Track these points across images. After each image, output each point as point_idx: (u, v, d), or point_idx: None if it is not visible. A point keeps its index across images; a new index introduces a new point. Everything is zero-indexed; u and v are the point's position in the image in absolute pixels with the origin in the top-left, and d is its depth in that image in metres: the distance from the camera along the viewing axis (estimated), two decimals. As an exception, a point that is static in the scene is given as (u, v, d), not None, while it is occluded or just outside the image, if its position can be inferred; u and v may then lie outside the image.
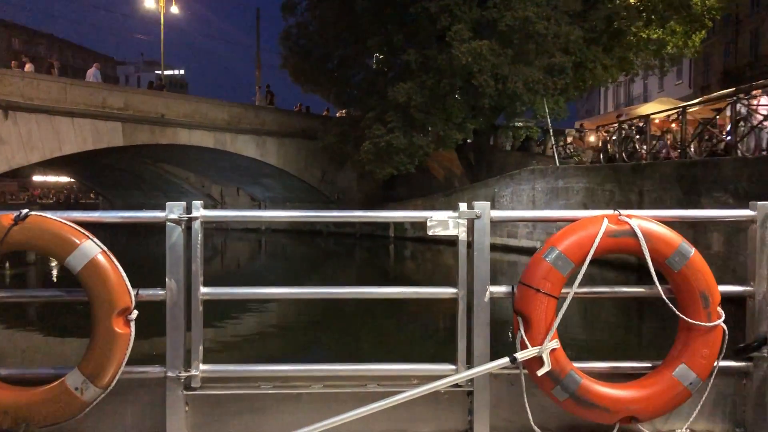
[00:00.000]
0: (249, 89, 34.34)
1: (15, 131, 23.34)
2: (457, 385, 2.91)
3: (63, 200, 72.11)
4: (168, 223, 2.87)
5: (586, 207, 18.97)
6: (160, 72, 41.78)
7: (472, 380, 2.90)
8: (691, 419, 2.94)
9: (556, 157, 24.93)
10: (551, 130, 26.31)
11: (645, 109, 37.72)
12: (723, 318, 2.83)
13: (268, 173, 36.13)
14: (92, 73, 29.61)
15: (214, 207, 39.36)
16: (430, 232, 2.93)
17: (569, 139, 27.35)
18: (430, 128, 26.09)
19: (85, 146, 25.75)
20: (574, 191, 20.89)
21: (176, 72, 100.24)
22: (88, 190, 66.32)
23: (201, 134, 30.69)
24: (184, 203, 2.93)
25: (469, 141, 30.33)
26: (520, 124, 31.91)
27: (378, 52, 28.11)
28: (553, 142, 25.58)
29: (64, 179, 73.31)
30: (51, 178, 76.88)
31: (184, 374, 2.87)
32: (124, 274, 2.77)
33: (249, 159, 33.45)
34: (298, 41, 31.67)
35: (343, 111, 36.07)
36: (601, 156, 22.57)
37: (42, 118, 24.12)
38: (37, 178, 76.88)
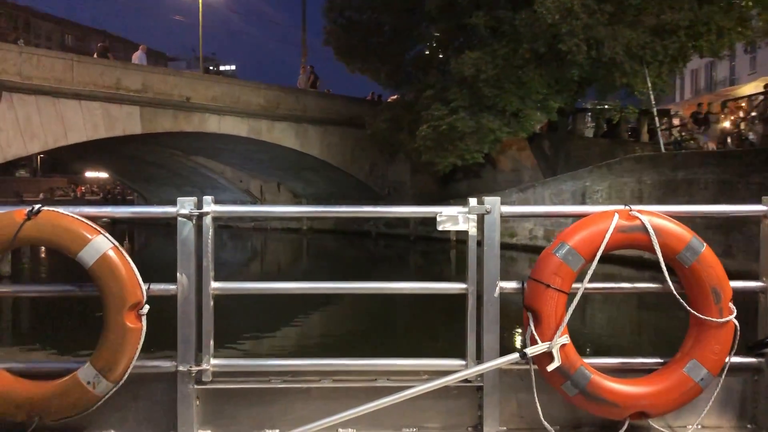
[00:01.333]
0: (291, 78, 29.40)
1: (11, 116, 19.74)
2: (467, 381, 2.92)
3: (109, 196, 70.39)
4: (179, 218, 2.86)
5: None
6: (212, 68, 37.53)
7: (481, 375, 2.90)
8: (702, 415, 2.92)
9: (662, 143, 19.86)
10: (655, 110, 21.08)
11: (746, 89, 32.14)
12: (735, 314, 2.79)
13: (309, 166, 32.02)
14: (138, 56, 26.03)
15: (253, 204, 35.94)
16: (439, 228, 2.92)
17: (676, 122, 21.98)
18: (503, 107, 21.18)
19: (96, 134, 22.04)
20: (701, 185, 15.84)
21: (228, 68, 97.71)
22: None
23: (233, 121, 26.73)
24: (194, 198, 2.90)
25: (540, 127, 25.35)
26: (607, 105, 26.57)
27: (438, 18, 23.33)
28: (658, 125, 20.42)
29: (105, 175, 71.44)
30: (103, 174, 75.30)
31: (195, 368, 2.88)
32: (135, 269, 2.76)
33: (288, 150, 29.39)
34: (344, 12, 27.34)
35: (395, 97, 31.61)
36: (729, 140, 17.37)
37: (44, 100, 20.47)
38: (89, 174, 75.36)
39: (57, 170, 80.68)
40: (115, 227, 41.38)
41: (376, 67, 27.74)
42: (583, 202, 19.69)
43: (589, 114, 30.60)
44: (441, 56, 23.45)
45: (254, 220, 35.23)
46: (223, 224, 37.63)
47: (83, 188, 76.83)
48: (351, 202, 31.30)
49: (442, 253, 25.78)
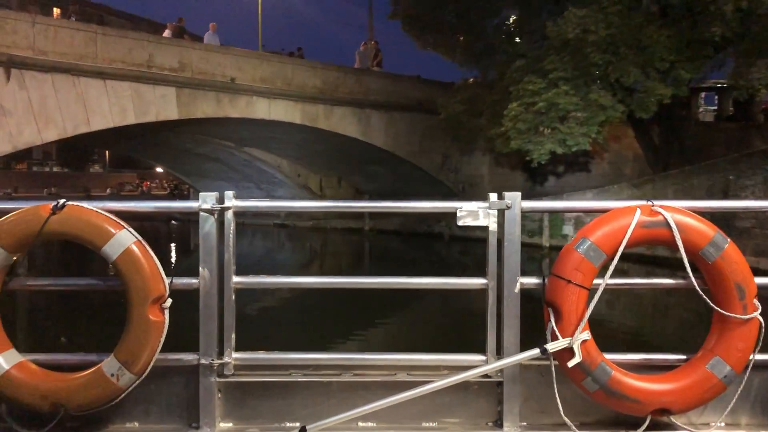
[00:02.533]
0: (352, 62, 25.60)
1: (22, 98, 16.79)
2: (486, 376, 2.92)
3: (176, 192, 69.23)
4: (201, 213, 2.87)
5: None
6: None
7: (502, 371, 2.89)
8: (725, 413, 2.87)
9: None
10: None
11: None
12: (759, 310, 2.75)
13: (373, 158, 28.20)
14: (209, 36, 22.96)
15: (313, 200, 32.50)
16: (459, 223, 2.91)
17: None
18: (617, 79, 16.51)
19: (124, 119, 18.90)
20: None
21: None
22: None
23: (285, 106, 23.19)
24: (216, 193, 2.91)
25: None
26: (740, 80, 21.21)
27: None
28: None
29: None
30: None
31: (217, 361, 2.90)
32: (158, 263, 2.78)
33: (348, 139, 25.67)
34: (413, -23, 23.34)
35: (470, 79, 27.37)
36: None
37: (62, 80, 17.45)
38: (159, 169, 74.66)
39: (128, 165, 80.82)
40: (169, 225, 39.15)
41: (450, 42, 23.64)
42: (725, 198, 14.97)
43: (705, 94, 25.33)
44: (533, 20, 18.92)
45: (312, 219, 31.80)
46: (280, 223, 34.50)
47: (149, 183, 76.33)
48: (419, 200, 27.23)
49: (530, 261, 21.35)
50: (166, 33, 22.46)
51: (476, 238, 25.64)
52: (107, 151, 76.97)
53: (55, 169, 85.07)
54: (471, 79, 27.11)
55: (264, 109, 22.55)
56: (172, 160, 36.51)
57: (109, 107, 18.51)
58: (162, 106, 19.74)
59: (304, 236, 32.43)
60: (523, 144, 18.24)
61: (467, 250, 25.23)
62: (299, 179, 33.80)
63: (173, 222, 39.82)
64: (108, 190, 70.17)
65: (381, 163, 28.62)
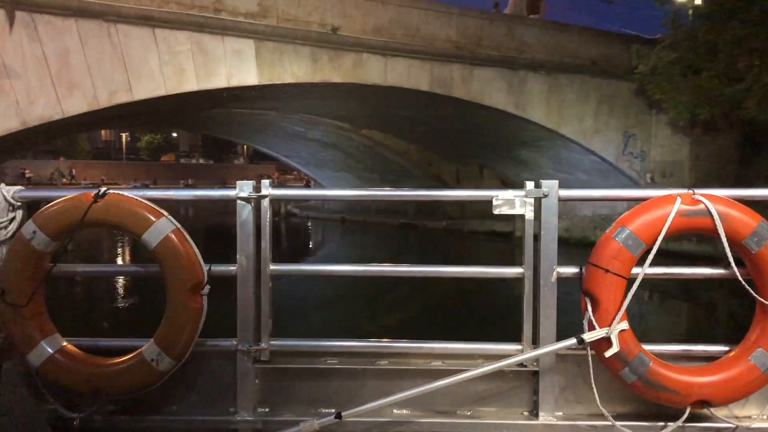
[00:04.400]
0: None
1: (34, 53, 11.97)
2: (522, 365, 2.89)
3: (310, 183, 66.60)
4: (238, 201, 2.90)
5: None
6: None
7: (537, 360, 2.86)
8: None
9: None
10: None
11: None
12: None
13: (527, 139, 21.19)
14: None
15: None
16: (495, 212, 2.89)
17: None
18: None
19: (182, 84, 13.63)
20: None
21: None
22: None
23: (407, 67, 16.88)
24: (252, 182, 2.91)
25: None
26: None
27: None
28: None
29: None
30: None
31: (254, 348, 2.93)
32: (197, 251, 2.80)
33: (493, 113, 18.86)
34: None
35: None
36: None
37: (90, 27, 12.49)
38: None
39: (269, 158, 79.94)
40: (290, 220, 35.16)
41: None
42: None
43: None
44: None
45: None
46: (406, 222, 28.46)
47: (278, 175, 74.72)
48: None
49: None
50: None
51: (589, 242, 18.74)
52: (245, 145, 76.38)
53: (201, 161, 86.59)
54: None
55: (377, 71, 16.38)
56: (285, 147, 31.78)
57: (160, 67, 13.25)
58: (235, 65, 14.23)
59: (441, 242, 26.16)
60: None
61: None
62: (430, 168, 27.46)
63: (292, 218, 36.38)
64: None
65: (537, 146, 21.49)
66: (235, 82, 14.33)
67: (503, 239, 21.87)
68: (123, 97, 12.95)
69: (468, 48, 17.75)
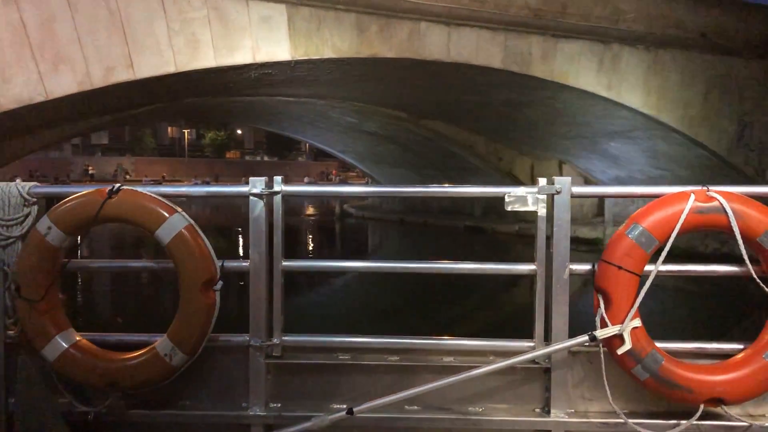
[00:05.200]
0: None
1: (10, 19, 9.75)
2: (534, 362, 2.89)
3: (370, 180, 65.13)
4: (251, 198, 2.91)
5: None
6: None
7: (549, 357, 2.86)
8: None
9: None
10: None
11: None
12: None
13: (620, 128, 17.76)
14: None
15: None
16: (508, 208, 2.89)
17: None
18: None
19: (196, 59, 11.19)
20: None
21: None
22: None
23: (475, 38, 13.89)
24: (265, 178, 2.91)
25: None
26: None
27: None
28: None
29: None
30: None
31: (266, 343, 2.95)
32: (209, 247, 2.82)
33: (581, 96, 15.61)
34: None
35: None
36: None
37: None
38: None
39: (331, 155, 78.67)
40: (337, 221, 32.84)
41: None
42: None
43: None
44: None
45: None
46: (472, 225, 25.39)
47: (336, 172, 73.32)
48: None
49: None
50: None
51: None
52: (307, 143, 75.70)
53: (265, 158, 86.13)
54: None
55: (439, 44, 13.44)
56: (340, 142, 29.28)
57: (169, 38, 10.80)
58: (263, 36, 11.63)
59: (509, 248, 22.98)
60: None
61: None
62: (501, 164, 24.21)
63: (347, 218, 34.10)
64: (306, 179, 68.11)
65: (632, 135, 17.99)
66: (263, 57, 11.74)
67: (588, 247, 18.46)
68: (122, 75, 10.56)
69: (550, 16, 14.54)
